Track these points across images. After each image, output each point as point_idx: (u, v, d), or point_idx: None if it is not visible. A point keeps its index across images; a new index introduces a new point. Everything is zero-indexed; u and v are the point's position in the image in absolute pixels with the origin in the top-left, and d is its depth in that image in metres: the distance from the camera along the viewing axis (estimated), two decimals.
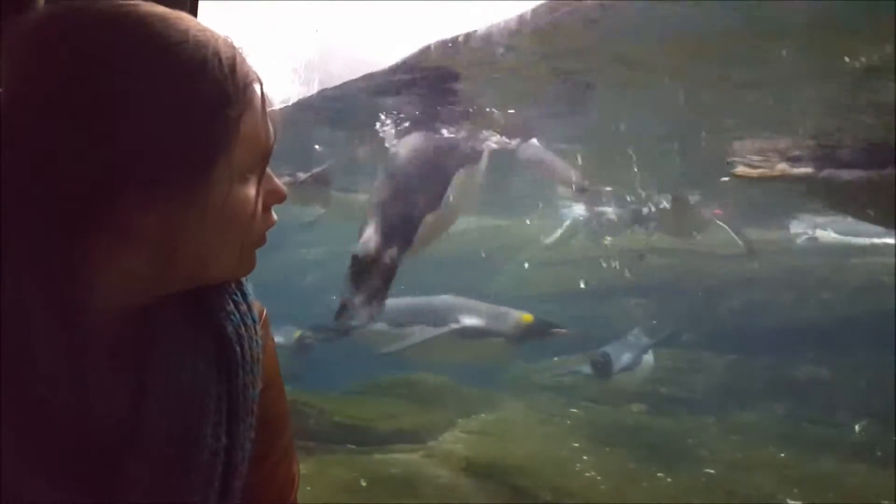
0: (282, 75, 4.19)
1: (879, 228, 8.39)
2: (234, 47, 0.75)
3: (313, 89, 4.64)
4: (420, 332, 6.25)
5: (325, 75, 4.47)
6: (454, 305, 6.46)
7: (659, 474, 5.37)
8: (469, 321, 6.21)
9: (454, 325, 6.21)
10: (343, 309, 3.85)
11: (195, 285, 0.81)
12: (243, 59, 0.76)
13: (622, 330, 7.99)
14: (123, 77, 0.68)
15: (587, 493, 5.03)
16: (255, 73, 0.77)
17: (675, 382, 8.00)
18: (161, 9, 0.73)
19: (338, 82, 4.68)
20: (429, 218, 4.23)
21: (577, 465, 5.57)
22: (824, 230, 9.85)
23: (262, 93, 0.77)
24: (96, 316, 0.73)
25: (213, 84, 0.71)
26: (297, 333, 7.92)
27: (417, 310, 6.43)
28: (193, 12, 1.31)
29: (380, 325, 6.14)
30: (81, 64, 0.68)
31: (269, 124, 0.79)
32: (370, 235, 3.92)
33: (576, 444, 6.14)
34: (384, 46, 4.05)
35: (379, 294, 3.87)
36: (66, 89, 0.67)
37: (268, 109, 0.79)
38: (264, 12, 3.51)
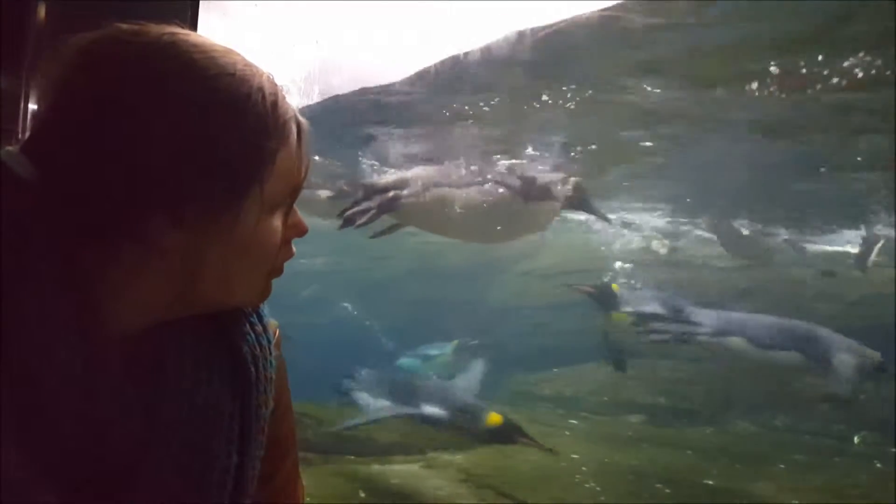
0: (282, 86, 4.20)
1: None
2: (276, 84, 0.78)
3: (313, 101, 4.66)
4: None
5: (325, 87, 4.49)
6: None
7: (658, 485, 5.36)
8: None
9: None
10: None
11: (215, 310, 0.82)
12: (284, 97, 0.78)
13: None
14: (168, 101, 0.70)
15: None
16: (295, 111, 0.80)
17: (675, 394, 7.99)
18: (211, 41, 0.76)
19: (338, 94, 4.70)
20: (434, 190, 4.38)
21: (577, 476, 5.55)
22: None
23: (300, 130, 0.80)
24: (115, 329, 0.73)
25: (255, 117, 0.74)
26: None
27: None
28: (194, 23, 1.32)
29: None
30: (128, 84, 0.70)
31: (303, 161, 0.81)
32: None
33: (575, 456, 6.12)
34: (386, 59, 4.07)
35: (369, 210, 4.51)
36: (111, 106, 0.69)
37: (303, 147, 0.81)
38: (265, 23, 3.52)
